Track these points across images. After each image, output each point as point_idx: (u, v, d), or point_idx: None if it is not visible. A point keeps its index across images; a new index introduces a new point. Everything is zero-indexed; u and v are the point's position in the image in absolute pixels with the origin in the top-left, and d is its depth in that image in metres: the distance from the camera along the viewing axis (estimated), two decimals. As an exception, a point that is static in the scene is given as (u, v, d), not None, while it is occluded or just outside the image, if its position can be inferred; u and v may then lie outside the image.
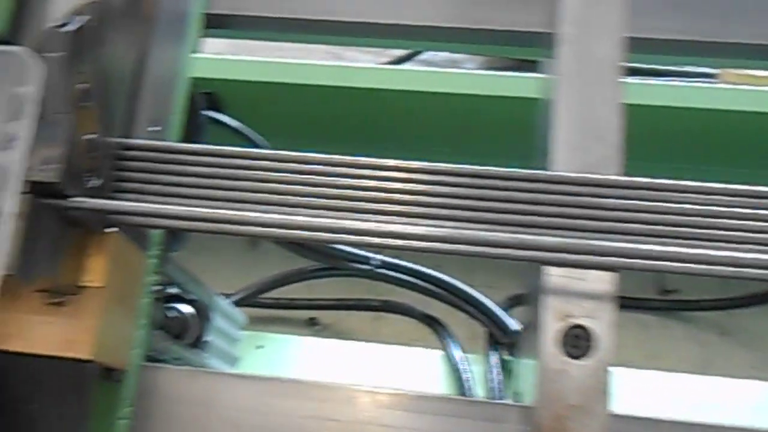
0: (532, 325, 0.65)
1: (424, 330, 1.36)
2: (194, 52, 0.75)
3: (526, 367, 0.65)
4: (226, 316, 0.95)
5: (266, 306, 1.41)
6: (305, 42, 0.86)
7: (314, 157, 0.63)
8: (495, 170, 0.60)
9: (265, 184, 0.63)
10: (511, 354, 1.20)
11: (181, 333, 0.87)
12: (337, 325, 1.52)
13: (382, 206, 0.60)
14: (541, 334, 0.59)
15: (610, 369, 0.58)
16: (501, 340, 1.20)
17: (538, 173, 0.60)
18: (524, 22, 0.73)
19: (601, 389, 0.58)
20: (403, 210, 0.60)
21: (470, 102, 1.42)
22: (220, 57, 1.40)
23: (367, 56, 1.72)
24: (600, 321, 0.59)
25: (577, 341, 0.58)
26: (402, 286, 1.30)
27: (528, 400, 0.62)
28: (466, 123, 1.47)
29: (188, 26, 0.74)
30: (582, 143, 0.63)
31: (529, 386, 0.62)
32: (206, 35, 0.79)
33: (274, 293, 1.41)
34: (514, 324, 1.20)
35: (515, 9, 0.74)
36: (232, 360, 0.98)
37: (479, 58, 1.72)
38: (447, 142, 1.54)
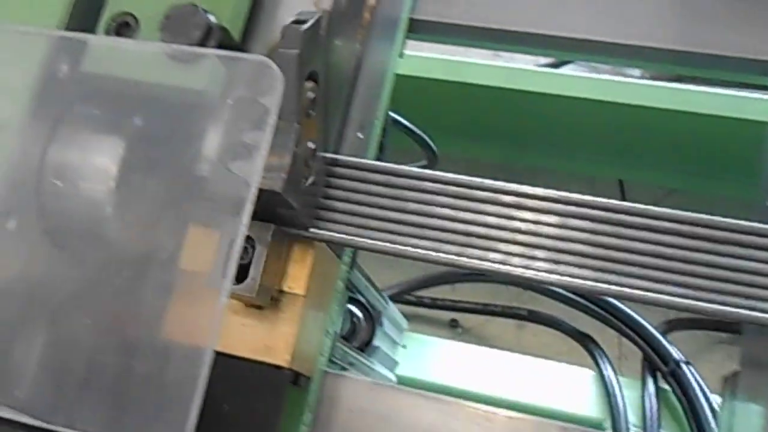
0: (752, 365, 0.61)
1: (568, 344, 1.32)
2: (400, 56, 0.74)
3: (746, 411, 0.61)
4: (393, 322, 0.94)
5: (410, 303, 1.40)
6: (501, 50, 0.83)
7: (530, 190, 0.59)
8: (726, 222, 0.56)
9: (463, 214, 0.60)
10: (668, 383, 1.15)
11: (351, 336, 0.86)
12: (478, 330, 1.49)
13: (604, 252, 0.57)
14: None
15: None
16: (659, 367, 1.15)
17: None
18: (753, 48, 0.68)
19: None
20: (616, 257, 0.56)
21: (636, 114, 1.36)
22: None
23: (525, 55, 1.66)
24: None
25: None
26: (554, 298, 1.27)
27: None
28: (629, 135, 1.42)
29: (398, 31, 0.73)
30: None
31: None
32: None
33: (418, 292, 1.39)
34: (674, 352, 1.15)
35: (743, 32, 0.69)
36: (393, 364, 0.97)
37: (644, 66, 1.64)
38: (605, 152, 1.48)
